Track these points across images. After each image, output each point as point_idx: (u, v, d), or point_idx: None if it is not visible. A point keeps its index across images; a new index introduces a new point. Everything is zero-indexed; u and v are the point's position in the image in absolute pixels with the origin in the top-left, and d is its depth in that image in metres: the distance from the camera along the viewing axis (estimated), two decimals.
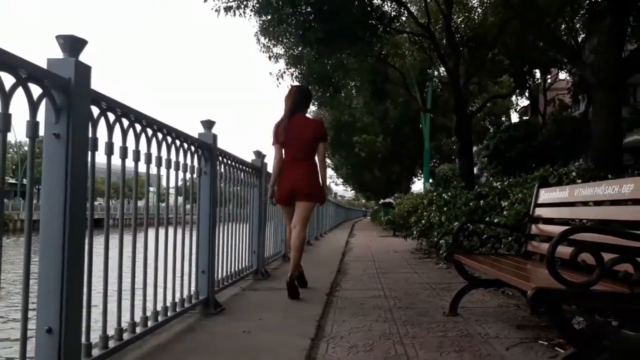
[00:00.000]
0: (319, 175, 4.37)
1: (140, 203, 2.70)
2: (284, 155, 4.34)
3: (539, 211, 3.61)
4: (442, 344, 2.77)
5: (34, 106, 1.70)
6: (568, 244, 2.34)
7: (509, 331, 3.05)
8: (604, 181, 2.79)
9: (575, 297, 1.89)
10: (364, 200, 78.37)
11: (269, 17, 12.43)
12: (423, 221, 7.89)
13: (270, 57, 16.69)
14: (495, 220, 4.73)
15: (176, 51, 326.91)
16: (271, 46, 16.17)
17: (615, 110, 8.10)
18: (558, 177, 4.49)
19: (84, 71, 1.86)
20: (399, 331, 3.07)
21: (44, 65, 1.75)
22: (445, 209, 7.07)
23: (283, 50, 16.24)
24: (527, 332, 3.01)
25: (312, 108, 35.30)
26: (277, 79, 17.46)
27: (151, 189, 3.03)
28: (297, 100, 4.38)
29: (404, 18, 15.38)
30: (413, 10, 15.35)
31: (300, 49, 14.15)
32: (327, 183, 4.86)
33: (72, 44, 1.81)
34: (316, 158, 4.37)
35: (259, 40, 16.00)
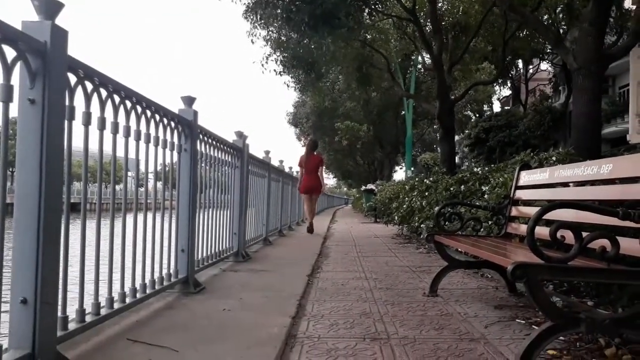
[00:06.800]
0: (320, 180, 9.42)
1: (120, 186, 2.65)
2: (304, 171, 9.33)
3: (520, 193, 3.64)
4: (422, 322, 2.80)
5: (7, 69, 1.64)
6: (548, 225, 2.36)
7: (487, 311, 3.08)
8: (584, 162, 2.81)
9: (554, 272, 1.91)
10: (345, 189, 78.49)
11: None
12: (404, 206, 7.93)
13: (252, 42, 16.48)
14: (477, 203, 4.76)
15: (156, 35, 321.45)
16: (257, 29, 15.96)
17: (595, 94, 8.21)
18: (539, 162, 4.54)
19: (61, 35, 1.80)
20: (379, 310, 3.08)
21: (19, 27, 1.69)
22: (426, 194, 7.11)
23: (267, 33, 16.03)
24: (505, 312, 3.05)
25: (295, 95, 35.16)
26: (262, 65, 17.25)
27: (130, 173, 2.97)
28: (310, 147, 9.52)
29: (389, 2, 15.31)
30: None
31: (285, 32, 14.00)
32: (325, 183, 9.95)
33: (48, 6, 1.74)
34: (319, 173, 9.41)
35: (249, 20, 15.76)
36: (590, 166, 2.67)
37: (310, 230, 9.34)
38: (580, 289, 3.35)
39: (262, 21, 13.82)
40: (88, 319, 2.23)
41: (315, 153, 9.66)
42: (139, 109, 2.63)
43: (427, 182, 7.63)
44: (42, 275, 1.75)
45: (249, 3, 13.47)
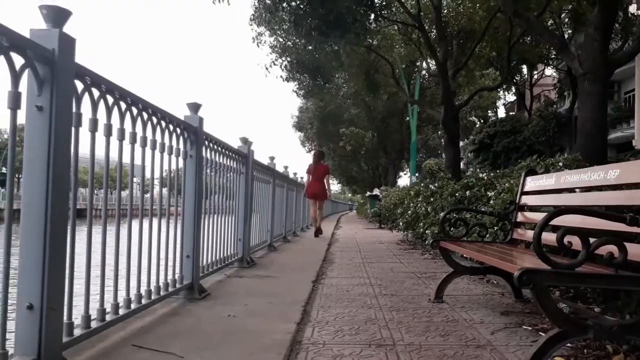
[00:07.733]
0: (325, 187, 10.29)
1: (125, 193, 2.66)
2: (310, 178, 10.25)
3: (525, 199, 3.62)
4: (428, 328, 2.78)
5: (15, 76, 1.65)
6: (554, 231, 2.35)
7: (493, 317, 3.06)
8: (590, 167, 2.80)
9: (561, 278, 1.90)
10: (349, 194, 78.42)
11: (263, 3, 12.46)
12: (409, 212, 7.92)
13: (258, 45, 16.55)
14: (482, 209, 4.75)
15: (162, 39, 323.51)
16: (263, 34, 16.01)
17: (601, 99, 8.17)
18: (545, 168, 4.52)
19: (68, 43, 1.81)
20: (384, 317, 3.07)
21: (27, 35, 1.70)
22: (431, 199, 7.10)
23: (273, 38, 16.11)
24: (512, 318, 3.03)
25: (299, 100, 35.40)
26: (266, 69, 17.31)
27: (136, 179, 2.99)
28: (317, 157, 10.36)
29: (394, 8, 15.38)
30: (404, 0, 15.27)
31: (291, 37, 14.08)
32: (330, 190, 10.97)
33: (56, 15, 1.76)
34: (325, 180, 10.34)
35: (256, 24, 15.78)
36: (597, 172, 2.66)
37: (318, 232, 10.13)
38: (587, 296, 3.33)
39: (270, 25, 13.88)
40: (93, 324, 2.23)
41: (321, 162, 10.55)
42: (145, 115, 2.64)
43: (432, 187, 7.61)
44: (48, 281, 1.76)
45: (256, 8, 13.56)
